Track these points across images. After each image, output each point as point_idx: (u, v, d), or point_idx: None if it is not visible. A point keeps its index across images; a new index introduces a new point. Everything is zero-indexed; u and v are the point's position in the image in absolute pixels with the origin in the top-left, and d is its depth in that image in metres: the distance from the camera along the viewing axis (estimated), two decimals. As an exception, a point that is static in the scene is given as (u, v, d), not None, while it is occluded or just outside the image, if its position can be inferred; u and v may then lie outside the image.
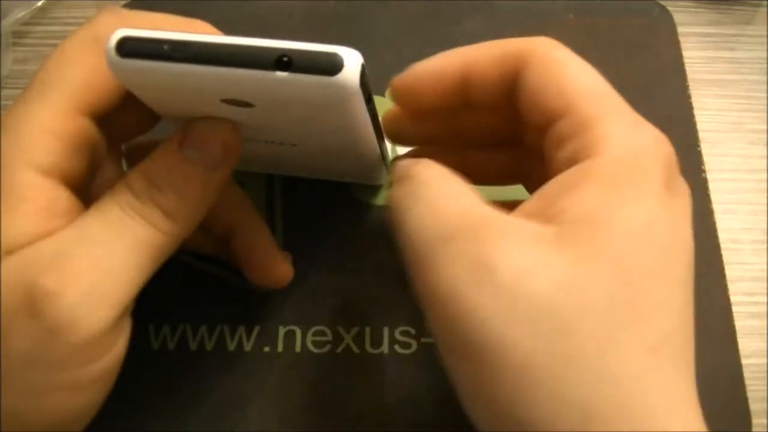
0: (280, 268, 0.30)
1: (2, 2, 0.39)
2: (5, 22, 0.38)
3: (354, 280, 0.32)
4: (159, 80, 0.21)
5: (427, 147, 0.29)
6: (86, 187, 0.24)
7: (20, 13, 0.39)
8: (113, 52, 0.20)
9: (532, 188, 0.27)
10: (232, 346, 0.31)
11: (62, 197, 0.22)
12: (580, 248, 0.20)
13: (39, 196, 0.22)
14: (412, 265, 0.21)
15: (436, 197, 0.22)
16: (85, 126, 0.23)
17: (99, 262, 0.21)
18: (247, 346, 0.31)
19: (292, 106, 0.21)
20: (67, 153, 0.23)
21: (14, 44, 0.39)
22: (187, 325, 0.31)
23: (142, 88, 0.22)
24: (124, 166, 0.27)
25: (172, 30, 0.21)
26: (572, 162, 0.22)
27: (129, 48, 0.20)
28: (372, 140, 0.25)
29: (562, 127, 0.23)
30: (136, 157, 0.27)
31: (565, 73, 0.24)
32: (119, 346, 0.23)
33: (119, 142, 0.27)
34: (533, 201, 0.22)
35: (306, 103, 0.21)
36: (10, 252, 0.21)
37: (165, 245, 0.23)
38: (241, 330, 0.31)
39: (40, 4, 0.40)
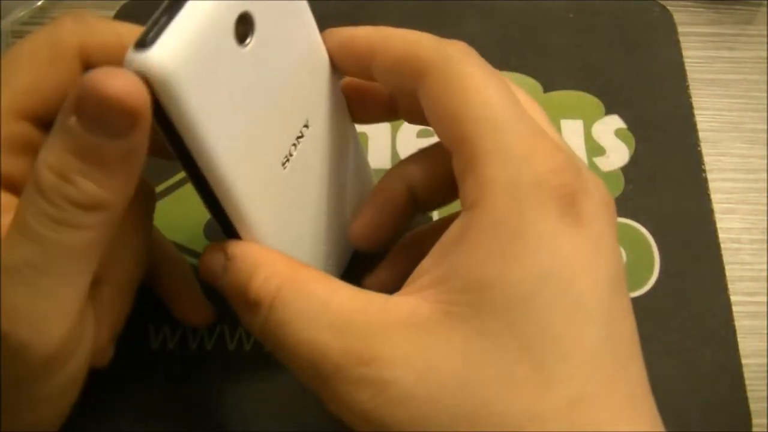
0: (201, 314, 0.30)
1: (2, 2, 0.39)
2: (5, 22, 0.38)
3: (354, 280, 0.32)
4: (188, 50, 0.19)
5: None
6: None
7: (20, 13, 0.39)
8: (143, 54, 0.18)
9: None
10: (232, 346, 0.31)
11: (6, 199, 0.22)
12: (470, 327, 0.20)
13: None
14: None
15: (296, 332, 0.21)
16: (26, 130, 0.22)
17: (37, 290, 0.20)
18: (247, 346, 0.31)
19: None
20: (5, 155, 0.22)
21: (14, 44, 0.39)
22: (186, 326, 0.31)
23: (185, 83, 0.19)
24: None
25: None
26: (464, 205, 0.22)
27: (146, 38, 0.18)
28: None
29: (458, 158, 0.22)
30: None
31: (461, 96, 0.22)
32: (84, 344, 0.22)
33: None
34: (429, 259, 0.22)
35: None
36: None
37: (100, 233, 0.20)
38: (241, 330, 0.31)
39: (40, 4, 0.40)
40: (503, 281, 0.20)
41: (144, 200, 0.25)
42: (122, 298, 0.25)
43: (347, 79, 0.26)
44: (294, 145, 0.24)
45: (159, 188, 0.34)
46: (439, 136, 0.23)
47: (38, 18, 0.40)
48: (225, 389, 0.30)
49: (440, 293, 0.20)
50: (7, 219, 0.20)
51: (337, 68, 0.25)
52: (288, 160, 0.24)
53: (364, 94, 0.27)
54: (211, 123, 0.20)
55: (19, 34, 0.39)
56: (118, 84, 0.18)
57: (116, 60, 0.19)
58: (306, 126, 0.25)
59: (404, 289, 0.22)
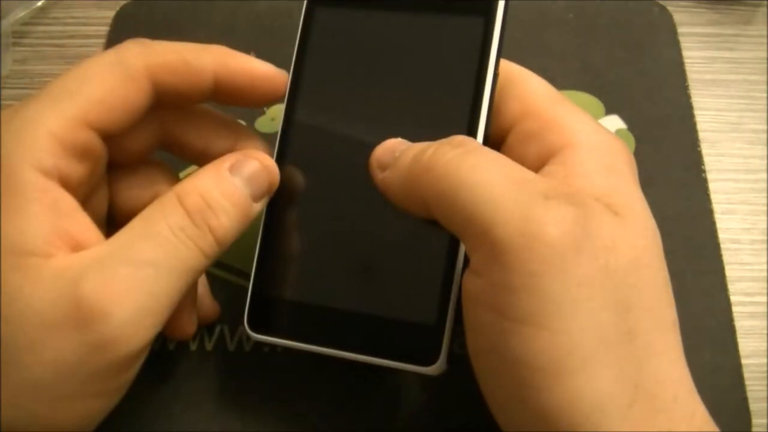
0: (184, 330, 0.28)
1: (2, 2, 0.39)
2: (5, 22, 0.38)
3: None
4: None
5: None
6: (81, 195, 0.24)
7: (20, 13, 0.39)
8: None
9: None
10: (231, 347, 0.31)
11: (64, 198, 0.23)
12: (630, 225, 0.22)
13: (43, 195, 0.22)
14: (484, 222, 0.20)
15: (506, 160, 0.22)
16: (90, 139, 0.23)
17: (146, 286, 0.22)
18: (247, 347, 0.31)
19: None
20: (68, 159, 0.23)
21: (14, 44, 0.39)
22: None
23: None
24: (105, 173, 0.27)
25: (197, 53, 0.25)
26: (545, 155, 0.24)
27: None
28: None
29: (525, 126, 0.25)
30: (117, 166, 0.27)
31: (519, 82, 0.26)
32: (144, 357, 0.24)
33: (120, 163, 0.27)
34: None
35: None
36: (33, 254, 0.21)
37: (204, 268, 0.24)
38: (241, 330, 0.31)
39: (40, 4, 0.40)
40: (629, 207, 0.22)
41: None
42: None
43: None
44: None
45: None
46: (498, 119, 0.26)
47: (38, 18, 0.40)
48: (225, 389, 0.30)
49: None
50: (68, 220, 0.22)
51: None
52: None
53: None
54: None
55: (19, 34, 0.39)
56: (272, 164, 0.26)
57: (180, 77, 0.25)
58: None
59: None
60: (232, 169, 0.24)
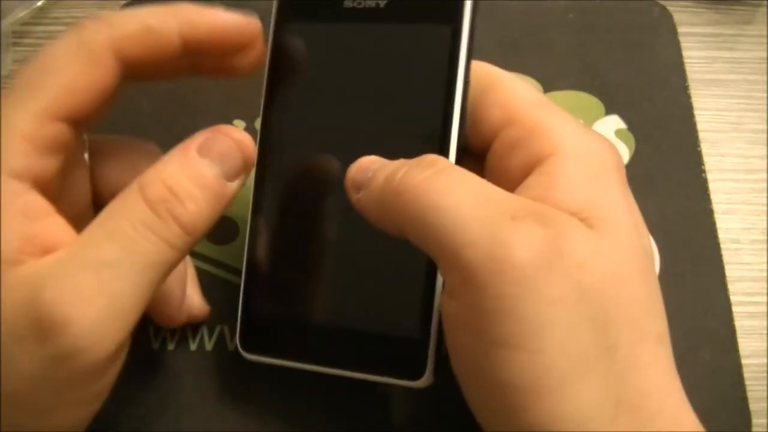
0: (172, 319, 0.29)
1: (2, 2, 0.39)
2: (5, 22, 0.38)
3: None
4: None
5: None
6: (56, 187, 0.24)
7: (20, 13, 0.39)
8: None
9: None
10: (231, 346, 0.31)
11: (36, 201, 0.22)
12: (608, 239, 0.21)
13: (14, 201, 0.21)
14: (453, 245, 0.20)
15: (475, 180, 0.22)
16: (60, 131, 0.23)
17: (108, 288, 0.21)
18: (247, 346, 0.31)
19: None
20: (39, 156, 0.22)
21: (14, 44, 0.39)
22: (186, 326, 0.31)
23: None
24: (86, 158, 0.27)
25: (160, 17, 0.23)
26: (530, 164, 0.23)
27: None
28: None
29: (509, 134, 0.24)
30: (99, 151, 0.27)
31: (502, 87, 0.25)
32: (122, 358, 0.23)
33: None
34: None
35: None
36: (5, 262, 0.21)
37: (176, 261, 0.22)
38: (241, 330, 0.31)
39: (40, 4, 0.40)
40: (610, 217, 0.22)
41: None
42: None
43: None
44: None
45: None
46: (480, 127, 0.25)
47: (38, 18, 0.40)
48: (225, 389, 0.30)
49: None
50: (40, 223, 0.21)
51: None
52: None
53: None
54: None
55: (19, 34, 0.39)
56: (246, 138, 0.23)
57: (146, 46, 0.23)
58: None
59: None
60: (201, 150, 0.23)
